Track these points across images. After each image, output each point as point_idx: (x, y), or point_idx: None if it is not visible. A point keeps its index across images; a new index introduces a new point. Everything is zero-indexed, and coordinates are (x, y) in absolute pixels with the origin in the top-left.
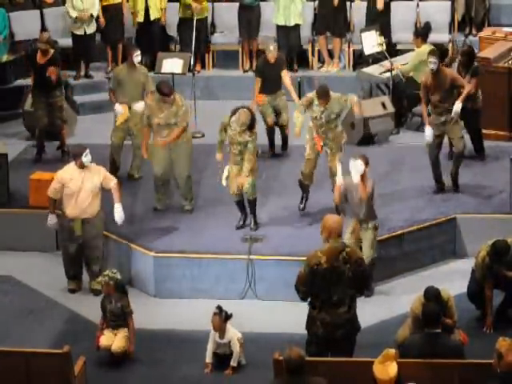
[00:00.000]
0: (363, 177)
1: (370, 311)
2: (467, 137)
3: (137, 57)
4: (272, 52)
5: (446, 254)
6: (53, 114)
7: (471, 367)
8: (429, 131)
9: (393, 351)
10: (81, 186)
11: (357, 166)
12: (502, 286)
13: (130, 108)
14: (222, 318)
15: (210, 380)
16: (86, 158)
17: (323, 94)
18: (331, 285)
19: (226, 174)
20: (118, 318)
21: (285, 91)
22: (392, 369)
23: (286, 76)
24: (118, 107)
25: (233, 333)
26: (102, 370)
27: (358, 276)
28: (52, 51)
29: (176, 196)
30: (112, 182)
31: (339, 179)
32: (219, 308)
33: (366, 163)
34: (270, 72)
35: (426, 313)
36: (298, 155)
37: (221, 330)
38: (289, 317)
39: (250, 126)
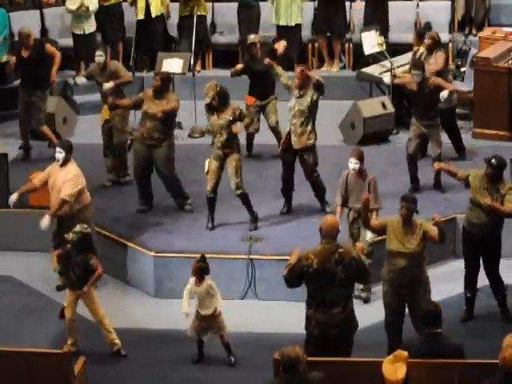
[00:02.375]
0: (359, 174)
1: (370, 311)
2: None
3: (98, 57)
4: (252, 39)
5: (446, 253)
6: (33, 114)
7: (471, 367)
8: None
9: (405, 353)
10: (53, 183)
11: (350, 164)
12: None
13: (110, 109)
14: (200, 265)
15: (210, 380)
16: (58, 154)
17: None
18: (323, 286)
19: (206, 167)
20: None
21: (276, 96)
22: (401, 371)
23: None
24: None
25: (210, 282)
26: (102, 370)
27: (354, 277)
28: (31, 42)
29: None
30: (62, 194)
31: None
32: (202, 257)
33: (360, 159)
34: (258, 70)
35: (426, 312)
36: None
37: (198, 277)
38: (289, 317)
39: (223, 101)
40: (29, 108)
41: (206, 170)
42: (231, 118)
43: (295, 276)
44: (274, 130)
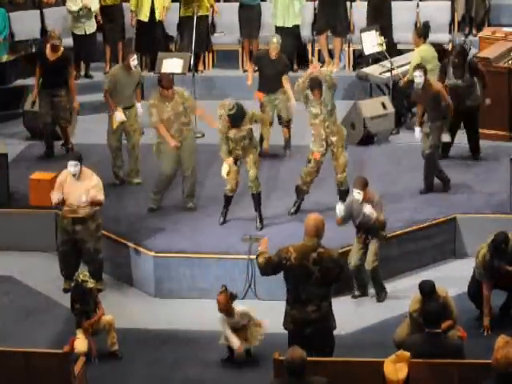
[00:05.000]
0: (366, 199)
1: (370, 311)
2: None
3: (133, 61)
4: (274, 44)
5: (446, 253)
6: (57, 114)
7: (471, 367)
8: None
9: (407, 354)
10: (73, 190)
11: (355, 195)
12: (503, 285)
13: (125, 109)
14: (228, 296)
15: (210, 380)
16: (73, 168)
17: (314, 85)
18: (299, 283)
19: (227, 168)
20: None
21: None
22: (402, 372)
23: (287, 82)
24: (119, 115)
25: (240, 308)
26: (102, 370)
27: (331, 279)
28: (62, 49)
29: (176, 195)
30: (99, 196)
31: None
32: (224, 286)
33: (363, 188)
34: (269, 67)
35: (426, 312)
36: (298, 155)
37: (227, 310)
38: None
39: (242, 118)
40: (52, 109)
41: (226, 171)
42: (252, 126)
43: (272, 267)
44: (286, 125)
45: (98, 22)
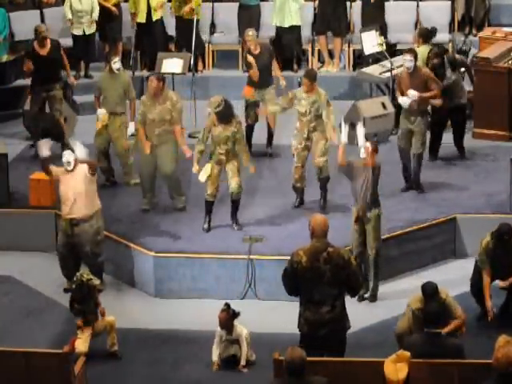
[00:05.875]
0: (370, 158)
1: (370, 311)
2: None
3: (115, 64)
4: (249, 37)
5: (446, 254)
6: (52, 107)
7: (471, 367)
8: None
9: (408, 354)
10: (67, 187)
11: (364, 147)
12: (502, 277)
13: (110, 114)
14: (230, 314)
15: (210, 380)
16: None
17: (309, 75)
18: (312, 284)
19: (207, 172)
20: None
21: (275, 85)
22: (402, 372)
23: (277, 68)
24: (100, 111)
25: (240, 329)
26: (102, 370)
27: (342, 278)
28: (49, 40)
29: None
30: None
31: (342, 139)
32: (227, 305)
33: (374, 149)
34: (255, 63)
35: (426, 312)
36: (284, 154)
37: (227, 327)
38: (289, 317)
39: (229, 115)
40: (44, 104)
41: (207, 174)
42: (236, 130)
43: (288, 275)
44: (271, 119)
45: (113, 11)
